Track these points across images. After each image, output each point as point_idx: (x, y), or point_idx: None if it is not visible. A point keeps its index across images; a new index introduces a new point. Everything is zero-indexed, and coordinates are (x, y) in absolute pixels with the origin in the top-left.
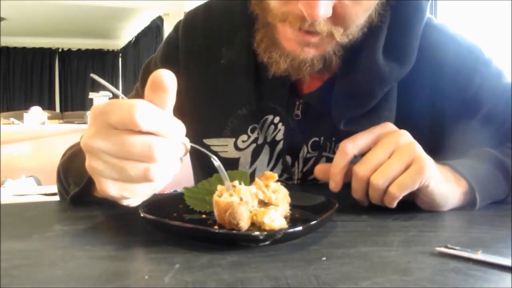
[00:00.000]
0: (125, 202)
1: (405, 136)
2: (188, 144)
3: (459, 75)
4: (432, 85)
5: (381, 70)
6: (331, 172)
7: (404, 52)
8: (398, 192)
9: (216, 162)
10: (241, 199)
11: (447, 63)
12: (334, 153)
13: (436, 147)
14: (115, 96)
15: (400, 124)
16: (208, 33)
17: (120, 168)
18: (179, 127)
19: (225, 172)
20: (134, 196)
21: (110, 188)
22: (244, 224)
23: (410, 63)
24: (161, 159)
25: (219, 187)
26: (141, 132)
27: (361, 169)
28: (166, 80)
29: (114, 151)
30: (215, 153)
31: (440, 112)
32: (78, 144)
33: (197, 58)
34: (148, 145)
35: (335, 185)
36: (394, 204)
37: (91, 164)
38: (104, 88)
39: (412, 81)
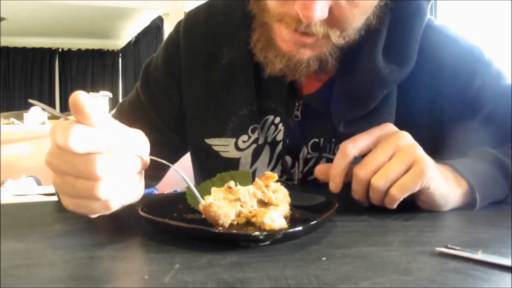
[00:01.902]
0: (92, 216)
1: (406, 138)
2: (146, 157)
3: (460, 76)
4: (432, 86)
5: (380, 72)
6: (331, 173)
7: (404, 54)
8: (399, 194)
9: (182, 176)
10: (238, 199)
11: (447, 64)
12: (334, 154)
13: (437, 148)
14: (118, 99)
15: (400, 125)
16: (209, 33)
17: (71, 185)
18: (128, 141)
19: (190, 182)
20: (91, 212)
21: (68, 204)
22: (224, 220)
23: (410, 64)
24: (105, 176)
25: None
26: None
27: (362, 171)
28: (82, 102)
29: (65, 169)
30: (216, 153)
31: (440, 113)
32: None
33: (198, 58)
34: (90, 163)
35: (335, 186)
36: (395, 206)
37: (53, 180)
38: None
39: (412, 82)
